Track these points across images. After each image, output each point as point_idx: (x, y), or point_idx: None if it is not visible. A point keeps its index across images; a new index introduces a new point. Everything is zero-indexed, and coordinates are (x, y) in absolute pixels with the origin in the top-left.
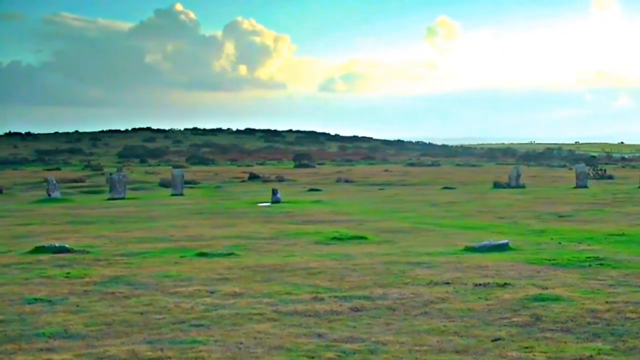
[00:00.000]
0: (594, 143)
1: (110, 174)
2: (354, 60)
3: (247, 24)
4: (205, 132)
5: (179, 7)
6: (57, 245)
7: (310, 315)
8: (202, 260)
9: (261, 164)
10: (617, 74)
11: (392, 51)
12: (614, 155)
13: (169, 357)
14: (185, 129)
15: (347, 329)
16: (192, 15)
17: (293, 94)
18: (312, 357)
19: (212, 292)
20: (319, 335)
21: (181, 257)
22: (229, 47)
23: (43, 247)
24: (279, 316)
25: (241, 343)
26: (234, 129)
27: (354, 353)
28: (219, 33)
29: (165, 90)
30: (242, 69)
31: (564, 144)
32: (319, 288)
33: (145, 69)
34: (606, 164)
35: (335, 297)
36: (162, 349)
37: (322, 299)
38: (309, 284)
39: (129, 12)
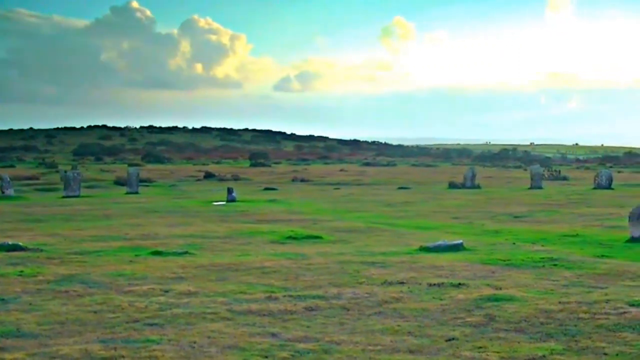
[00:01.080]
0: (549, 144)
1: (65, 171)
2: (310, 60)
3: (203, 22)
4: (161, 130)
5: (135, 4)
6: (10, 243)
7: (264, 315)
8: (157, 259)
9: (217, 162)
10: (571, 75)
11: (348, 51)
12: (568, 156)
13: (123, 357)
14: (141, 127)
15: (301, 328)
16: (148, 12)
17: (249, 92)
18: (266, 357)
19: (167, 291)
20: (273, 335)
21: (136, 255)
22: (185, 46)
23: None
24: (233, 315)
25: (195, 342)
26: (190, 127)
27: (308, 352)
28: (175, 31)
29: (121, 88)
30: (198, 68)
31: (519, 145)
32: (274, 287)
33: (101, 66)
34: (561, 165)
35: (290, 296)
36: (115, 348)
37: (276, 299)
38: (264, 283)
39: (85, 9)
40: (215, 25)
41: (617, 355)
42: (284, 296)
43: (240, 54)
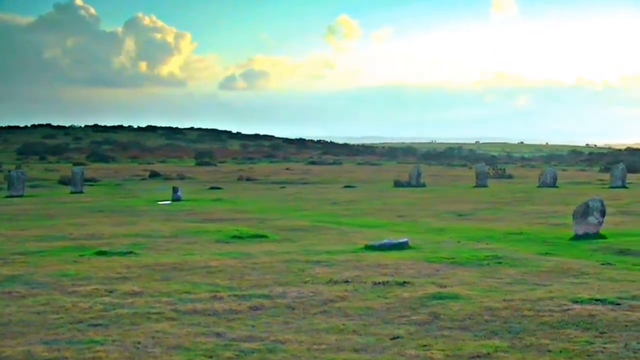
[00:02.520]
0: (494, 143)
1: (9, 171)
2: (255, 58)
3: (147, 20)
4: (106, 129)
5: (78, 2)
6: None
7: (209, 314)
8: (101, 259)
9: (162, 161)
10: (516, 74)
11: (293, 49)
12: (513, 155)
13: (66, 358)
14: (86, 126)
15: (246, 328)
16: (92, 10)
17: (194, 91)
18: (211, 357)
19: (111, 291)
20: (218, 335)
21: (80, 255)
22: (129, 44)
23: None
24: (177, 315)
25: (139, 343)
26: (135, 126)
27: (253, 352)
28: (119, 29)
29: (65, 86)
30: (143, 66)
31: (464, 144)
32: (219, 287)
33: (44, 64)
34: (506, 163)
35: (235, 295)
36: (59, 350)
37: (221, 298)
38: (209, 283)
39: (28, 6)
40: (160, 23)
41: (560, 352)
42: (229, 295)
43: (185, 53)
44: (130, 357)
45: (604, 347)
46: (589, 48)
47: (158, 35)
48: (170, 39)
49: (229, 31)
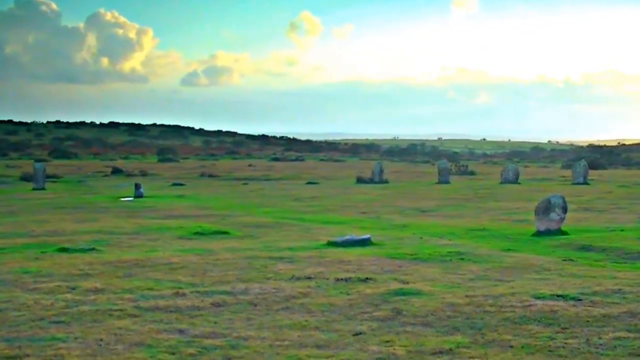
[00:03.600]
0: (457, 139)
1: None
2: (217, 55)
3: (109, 15)
4: (68, 125)
5: None
6: None
7: (171, 311)
8: (63, 255)
9: (125, 158)
10: (478, 71)
11: (256, 45)
12: (476, 151)
13: (28, 355)
14: (48, 122)
15: (208, 324)
16: (53, 6)
17: (156, 87)
18: (173, 353)
19: (73, 288)
20: (180, 331)
21: (41, 252)
22: (91, 39)
23: None
24: (140, 312)
25: (101, 340)
26: (98, 122)
27: (215, 349)
28: (81, 24)
29: (27, 82)
30: (104, 62)
31: (427, 140)
32: (181, 283)
33: (5, 60)
34: (468, 160)
35: (197, 292)
36: (20, 347)
37: (183, 295)
38: (171, 280)
39: None
40: (122, 19)
41: (522, 347)
42: (192, 292)
43: (147, 49)
44: (92, 354)
45: (566, 343)
46: (551, 45)
47: (120, 31)
48: (132, 34)
49: (191, 27)
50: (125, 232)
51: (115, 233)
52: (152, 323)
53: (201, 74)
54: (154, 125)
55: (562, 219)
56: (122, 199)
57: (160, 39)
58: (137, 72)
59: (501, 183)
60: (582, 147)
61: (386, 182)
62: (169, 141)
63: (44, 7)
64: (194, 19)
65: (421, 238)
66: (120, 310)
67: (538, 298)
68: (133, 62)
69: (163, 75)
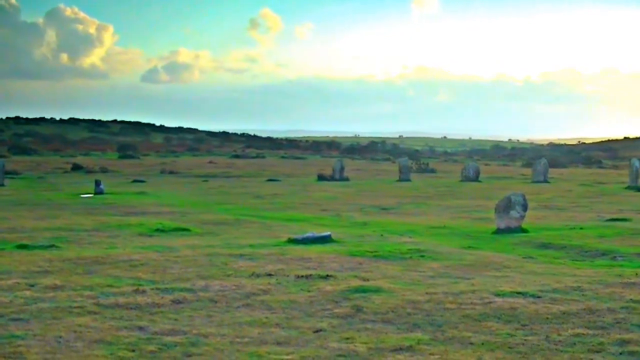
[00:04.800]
0: (417, 137)
1: None
2: (178, 51)
3: (69, 11)
4: (27, 121)
5: None
6: None
7: (131, 308)
8: (22, 252)
9: (85, 154)
10: (439, 69)
11: (216, 42)
12: (436, 149)
13: None
14: (7, 118)
15: (168, 321)
16: (12, 0)
17: (116, 83)
18: (133, 350)
19: (32, 285)
20: (140, 328)
21: (0, 249)
22: (51, 35)
23: None
24: (99, 309)
25: (61, 337)
26: (58, 118)
27: (175, 346)
28: (40, 20)
29: None
30: (64, 58)
31: (387, 138)
32: (141, 280)
33: None
34: (429, 158)
35: (157, 289)
36: None
37: (143, 292)
38: (131, 277)
39: None
40: (82, 14)
41: (482, 344)
42: (152, 289)
43: (107, 44)
44: (51, 351)
45: (525, 339)
46: (510, 44)
47: (80, 27)
48: (92, 30)
49: (151, 24)
50: (85, 229)
51: (75, 230)
52: (112, 320)
53: (162, 71)
54: (115, 121)
55: (522, 217)
56: (83, 196)
57: (121, 35)
58: (97, 68)
59: (462, 181)
60: (542, 145)
61: (347, 179)
62: (129, 138)
63: (2, 2)
64: (154, 16)
65: (382, 235)
66: (80, 307)
67: (498, 295)
68: (93, 58)
69: (123, 72)
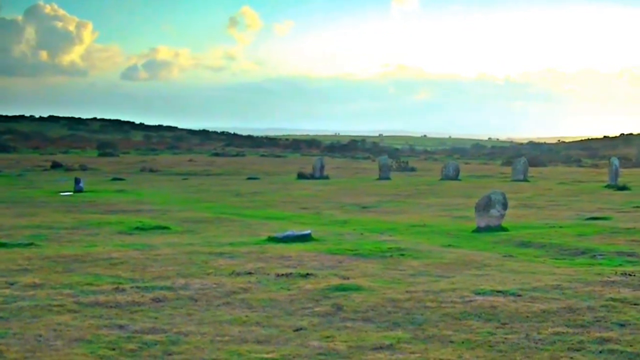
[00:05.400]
0: (397, 136)
1: None
2: (157, 49)
3: (49, 8)
4: (6, 118)
5: None
6: None
7: (111, 307)
8: (1, 250)
9: (64, 152)
10: (419, 68)
11: (196, 40)
12: (416, 148)
13: None
14: None
15: (148, 319)
16: None
17: (95, 81)
18: (114, 349)
19: (11, 284)
20: (120, 327)
21: None
22: (30, 32)
23: None
24: (79, 307)
25: (41, 335)
26: (37, 116)
27: (156, 344)
28: (19, 17)
29: None
30: (43, 55)
31: (367, 137)
32: (121, 279)
33: None
34: (409, 156)
35: (137, 287)
36: None
37: (123, 290)
38: (111, 275)
39: None
40: (61, 12)
41: (462, 342)
42: (132, 287)
43: (86, 42)
44: (31, 350)
45: (506, 338)
46: (491, 43)
47: (59, 24)
48: (71, 27)
49: (131, 21)
50: (64, 226)
51: (55, 228)
52: (92, 319)
53: (141, 68)
54: (94, 119)
55: (502, 216)
56: (62, 194)
57: (100, 32)
58: (77, 65)
59: (442, 179)
60: (522, 144)
61: (327, 177)
62: (109, 135)
63: None
64: (133, 13)
65: (362, 234)
66: (60, 305)
67: (478, 294)
68: (72, 56)
69: (103, 69)
